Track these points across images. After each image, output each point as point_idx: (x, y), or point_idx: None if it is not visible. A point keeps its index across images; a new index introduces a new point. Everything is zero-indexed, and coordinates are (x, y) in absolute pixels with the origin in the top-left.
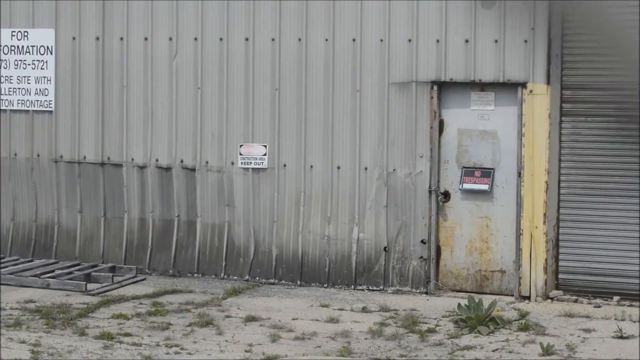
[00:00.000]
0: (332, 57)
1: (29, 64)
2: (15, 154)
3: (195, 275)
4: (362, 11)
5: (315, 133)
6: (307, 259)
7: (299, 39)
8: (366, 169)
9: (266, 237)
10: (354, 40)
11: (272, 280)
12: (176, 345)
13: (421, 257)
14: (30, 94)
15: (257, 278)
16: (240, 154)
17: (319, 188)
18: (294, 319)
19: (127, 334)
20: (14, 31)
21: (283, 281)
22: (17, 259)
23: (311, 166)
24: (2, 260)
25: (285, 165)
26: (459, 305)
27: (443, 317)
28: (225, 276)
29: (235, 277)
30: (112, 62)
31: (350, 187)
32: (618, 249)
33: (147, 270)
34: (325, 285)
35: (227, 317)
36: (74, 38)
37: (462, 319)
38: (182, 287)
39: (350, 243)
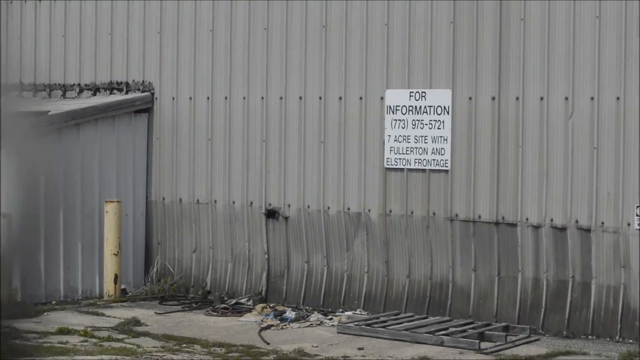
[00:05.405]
0: None
1: (426, 124)
2: (412, 212)
3: (589, 337)
4: None
5: None
6: None
7: None
8: None
9: None
10: None
11: None
12: None
13: None
14: (427, 153)
15: None
16: (637, 215)
17: None
18: None
19: None
20: (412, 92)
21: None
22: (412, 316)
23: None
24: (399, 317)
25: None
26: None
27: None
28: (620, 339)
29: (631, 341)
30: (508, 121)
31: None
32: None
33: (540, 330)
34: None
35: None
36: (470, 98)
37: None
38: (575, 349)
39: None
